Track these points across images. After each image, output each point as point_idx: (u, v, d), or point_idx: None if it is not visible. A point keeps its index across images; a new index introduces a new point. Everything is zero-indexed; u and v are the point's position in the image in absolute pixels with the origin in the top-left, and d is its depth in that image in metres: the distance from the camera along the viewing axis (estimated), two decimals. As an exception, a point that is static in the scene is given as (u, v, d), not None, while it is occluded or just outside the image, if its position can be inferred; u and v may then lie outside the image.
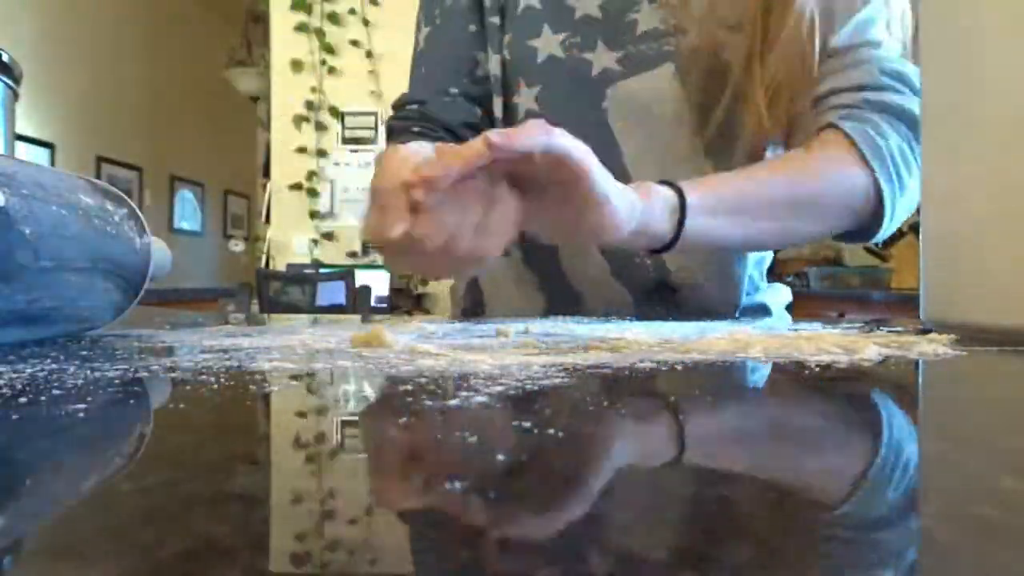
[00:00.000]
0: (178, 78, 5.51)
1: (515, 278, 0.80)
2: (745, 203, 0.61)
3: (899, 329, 0.52)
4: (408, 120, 0.79)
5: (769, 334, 0.44)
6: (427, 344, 0.39)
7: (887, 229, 0.67)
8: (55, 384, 0.26)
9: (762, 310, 0.82)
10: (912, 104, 0.65)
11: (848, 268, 3.29)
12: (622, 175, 0.69)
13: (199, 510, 0.14)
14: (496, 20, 0.77)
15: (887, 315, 2.23)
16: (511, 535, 0.13)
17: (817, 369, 0.32)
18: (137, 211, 0.49)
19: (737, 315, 0.77)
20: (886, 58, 0.67)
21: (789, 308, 0.91)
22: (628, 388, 0.28)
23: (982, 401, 0.28)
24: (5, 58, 1.04)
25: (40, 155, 4.16)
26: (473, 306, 0.85)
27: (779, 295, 0.87)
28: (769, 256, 0.86)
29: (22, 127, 3.78)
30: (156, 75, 5.30)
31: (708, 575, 0.11)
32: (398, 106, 0.81)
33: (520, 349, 0.38)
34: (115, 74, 4.93)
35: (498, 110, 0.78)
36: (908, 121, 0.65)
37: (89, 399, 0.24)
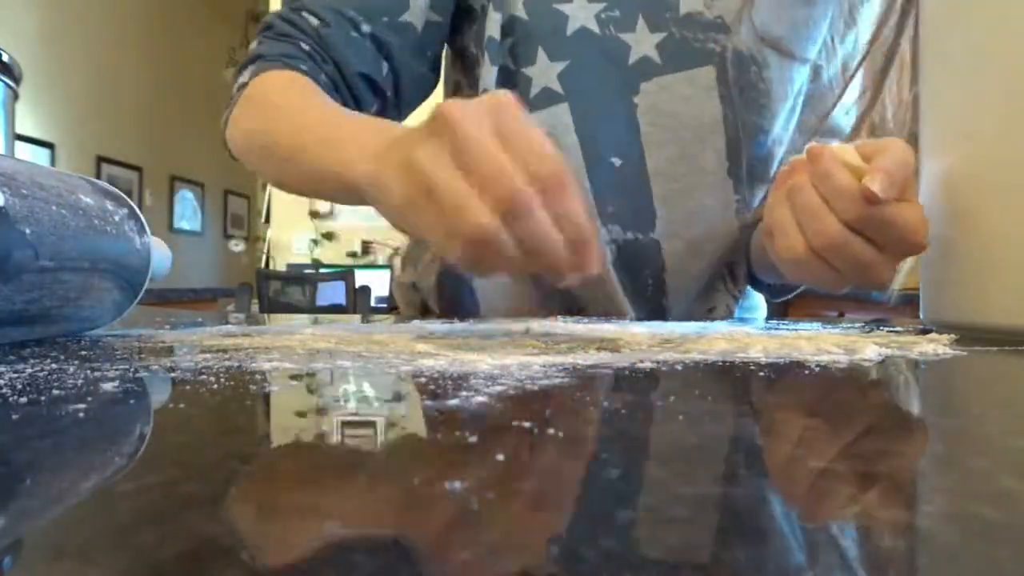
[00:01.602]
0: (178, 78, 5.51)
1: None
2: None
3: (899, 329, 0.52)
4: (297, 34, 0.63)
5: (769, 334, 0.44)
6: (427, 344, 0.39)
7: None
8: (55, 384, 0.26)
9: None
10: None
11: (848, 268, 3.28)
12: (643, 181, 0.66)
13: (199, 510, 0.14)
14: None
15: (887, 315, 2.23)
16: (511, 535, 0.13)
17: (817, 369, 0.32)
18: (137, 211, 0.49)
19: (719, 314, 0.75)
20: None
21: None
22: (628, 388, 0.28)
23: (982, 401, 0.28)
24: (5, 58, 1.04)
25: (40, 155, 4.16)
26: (452, 306, 0.74)
27: (758, 308, 0.85)
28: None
29: (22, 127, 3.78)
30: (156, 75, 5.30)
31: (708, 574, 0.11)
32: (291, 2, 0.65)
33: (520, 349, 0.38)
34: (115, 74, 4.93)
35: (489, 79, 0.65)
36: None
37: (89, 399, 0.24)
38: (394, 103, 0.70)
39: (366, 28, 0.64)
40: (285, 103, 0.59)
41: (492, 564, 0.12)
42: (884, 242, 0.44)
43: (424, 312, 0.78)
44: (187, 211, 5.59)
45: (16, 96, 1.09)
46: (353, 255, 4.30)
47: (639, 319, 0.71)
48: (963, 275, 0.48)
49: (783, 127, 0.71)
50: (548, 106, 0.65)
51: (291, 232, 4.35)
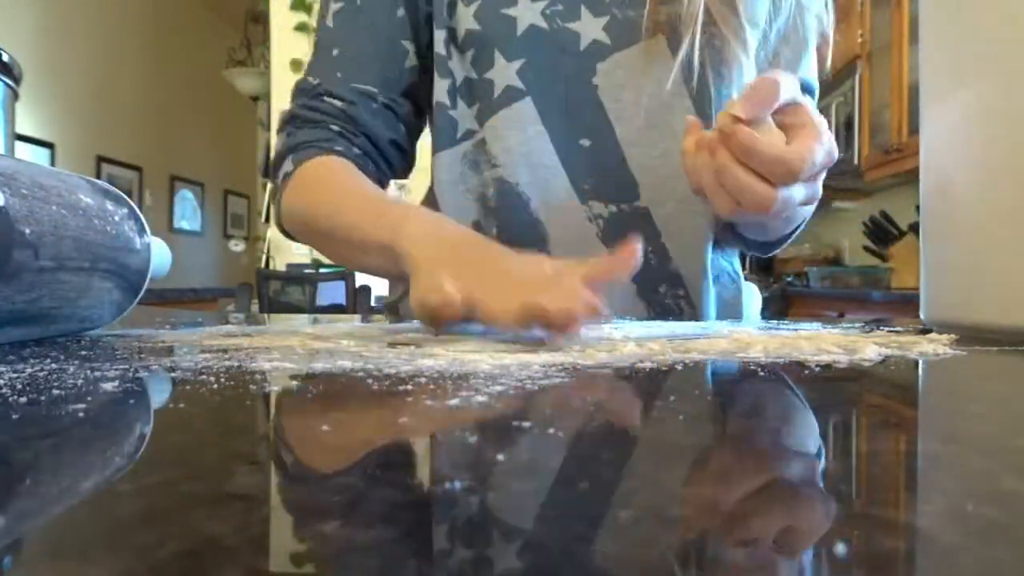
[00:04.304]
0: (178, 78, 5.51)
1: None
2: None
3: (899, 329, 0.52)
4: (324, 114, 0.70)
5: (769, 334, 0.44)
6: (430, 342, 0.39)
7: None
8: (55, 384, 0.26)
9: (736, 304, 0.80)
10: None
11: (848, 268, 3.29)
12: (617, 155, 0.69)
13: (199, 510, 0.14)
14: None
15: (887, 315, 2.23)
16: (510, 535, 0.13)
17: (817, 369, 0.32)
18: (137, 211, 0.49)
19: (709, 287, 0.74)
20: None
21: (762, 312, 0.91)
22: (628, 388, 0.28)
23: (982, 401, 0.27)
24: (5, 58, 1.04)
25: (40, 155, 4.16)
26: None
27: (752, 297, 0.85)
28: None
29: (22, 127, 3.78)
30: (156, 75, 5.30)
31: (708, 574, 0.11)
32: (310, 93, 0.71)
33: (520, 349, 0.38)
34: (115, 74, 4.93)
35: (441, 94, 0.71)
36: None
37: (89, 399, 0.24)
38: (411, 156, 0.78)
39: (381, 99, 0.71)
40: (335, 185, 0.66)
41: (493, 564, 0.12)
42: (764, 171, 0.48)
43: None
44: (187, 211, 5.59)
45: (16, 96, 1.09)
46: (353, 255, 4.30)
47: (653, 300, 0.71)
48: (963, 275, 0.48)
49: (748, 74, 0.71)
50: (512, 103, 0.69)
51: (291, 232, 4.34)
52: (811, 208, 0.62)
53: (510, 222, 0.70)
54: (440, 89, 0.71)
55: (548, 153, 0.69)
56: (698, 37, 0.66)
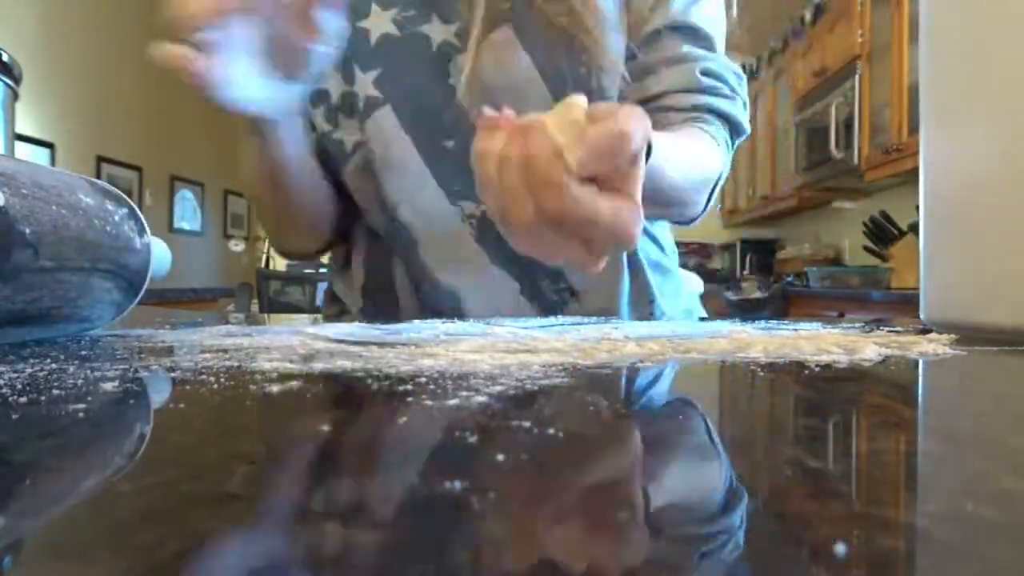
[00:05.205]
0: (178, 78, 5.50)
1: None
2: (680, 163, 0.60)
3: (899, 329, 0.52)
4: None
5: (769, 334, 0.44)
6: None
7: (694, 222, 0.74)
8: (55, 384, 0.26)
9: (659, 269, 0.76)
10: (731, 107, 0.70)
11: (848, 268, 3.29)
12: None
13: (199, 510, 0.14)
14: None
15: (887, 315, 2.23)
16: (511, 535, 0.13)
17: (817, 369, 0.32)
18: (137, 211, 0.49)
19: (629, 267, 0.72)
20: (703, 57, 0.69)
21: (700, 298, 0.88)
22: (628, 388, 0.28)
23: (982, 401, 0.27)
24: (5, 58, 1.04)
25: (40, 155, 4.15)
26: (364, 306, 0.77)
27: (691, 280, 0.84)
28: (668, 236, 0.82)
29: (22, 127, 3.77)
30: (156, 75, 5.29)
31: (708, 573, 0.11)
32: None
33: (519, 349, 0.38)
34: (115, 74, 4.92)
35: (319, 121, 0.72)
36: (732, 125, 0.71)
37: (89, 399, 0.24)
38: None
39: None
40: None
41: (492, 564, 0.12)
42: (589, 236, 0.38)
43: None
44: (187, 211, 5.59)
45: (16, 96, 1.09)
46: (353, 255, 4.30)
47: (537, 295, 0.70)
48: (963, 275, 0.48)
49: (614, 57, 0.69)
50: (372, 112, 0.69)
51: (291, 232, 4.34)
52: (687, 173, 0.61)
53: (388, 229, 0.71)
54: (317, 116, 0.72)
55: (413, 157, 0.69)
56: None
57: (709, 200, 0.71)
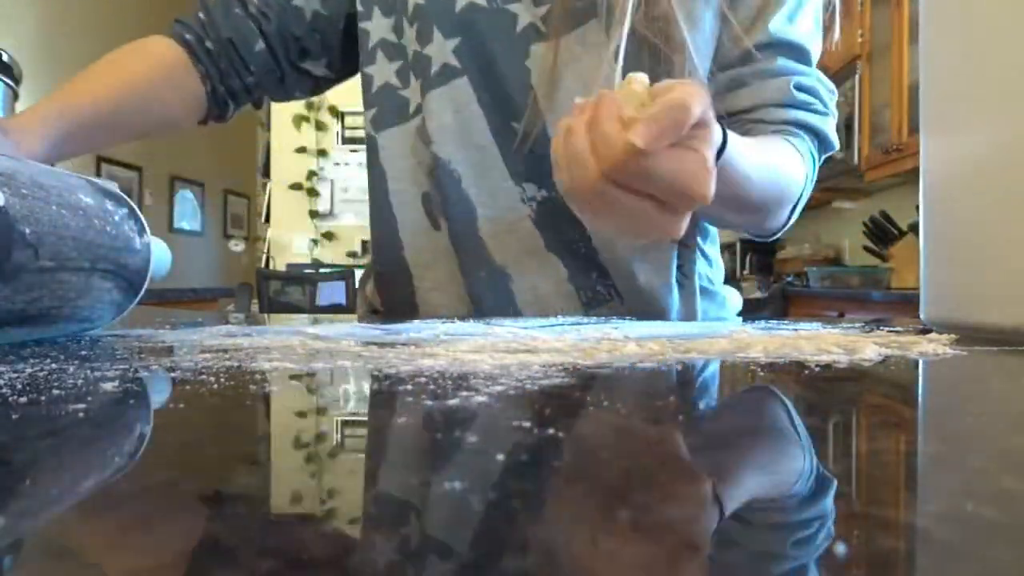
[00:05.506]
0: (178, 78, 5.50)
1: (434, 258, 0.73)
2: (758, 162, 0.57)
3: (899, 329, 0.52)
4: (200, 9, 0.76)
5: (769, 334, 0.44)
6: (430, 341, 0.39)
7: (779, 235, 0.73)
8: (55, 384, 0.26)
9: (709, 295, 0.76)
10: (823, 123, 0.68)
11: (848, 268, 3.29)
12: (546, 142, 0.65)
13: (199, 510, 0.14)
14: None
15: (887, 315, 2.23)
16: (510, 535, 0.13)
17: (817, 369, 0.32)
18: (137, 211, 0.49)
19: (676, 300, 0.71)
20: (798, 71, 0.67)
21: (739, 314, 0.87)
22: (628, 388, 0.28)
23: (982, 401, 0.27)
24: (5, 58, 1.04)
25: (40, 155, 4.14)
26: (389, 301, 0.78)
27: (732, 297, 0.83)
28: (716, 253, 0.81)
29: (22, 127, 3.76)
30: (156, 75, 5.29)
31: (708, 573, 0.11)
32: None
33: (519, 349, 0.38)
34: (115, 74, 4.92)
35: (389, 75, 0.73)
36: (821, 140, 0.69)
37: (89, 399, 0.24)
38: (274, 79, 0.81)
39: (252, 7, 0.76)
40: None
41: (492, 563, 0.12)
42: (659, 194, 0.39)
43: (374, 312, 0.82)
44: (187, 211, 5.59)
45: (16, 96, 1.09)
46: (353, 255, 4.30)
47: (580, 280, 0.70)
48: (963, 275, 0.48)
49: (700, 60, 0.67)
50: (449, 81, 0.69)
51: (291, 232, 4.35)
52: (791, 178, 0.61)
53: (446, 197, 0.71)
54: (388, 71, 0.73)
55: (483, 133, 0.69)
56: (628, 20, 0.62)
57: (792, 214, 0.69)
